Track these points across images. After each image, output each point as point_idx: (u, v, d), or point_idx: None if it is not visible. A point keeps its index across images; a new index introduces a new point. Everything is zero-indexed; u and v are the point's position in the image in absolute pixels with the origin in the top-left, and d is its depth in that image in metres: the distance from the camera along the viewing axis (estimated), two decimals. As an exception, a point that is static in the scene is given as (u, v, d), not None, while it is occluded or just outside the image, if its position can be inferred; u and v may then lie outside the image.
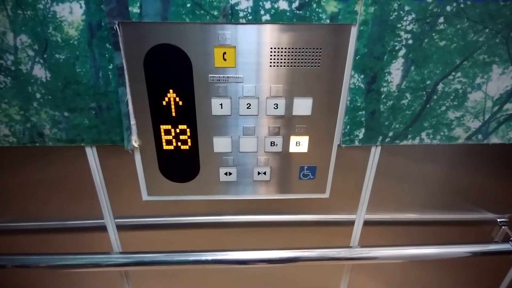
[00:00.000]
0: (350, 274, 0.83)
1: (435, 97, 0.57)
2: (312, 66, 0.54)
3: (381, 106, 0.58)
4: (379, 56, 0.53)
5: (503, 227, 0.77)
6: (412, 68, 0.54)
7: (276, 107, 0.57)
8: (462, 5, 0.50)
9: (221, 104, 0.56)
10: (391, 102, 0.57)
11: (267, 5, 0.48)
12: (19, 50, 0.50)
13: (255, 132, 0.59)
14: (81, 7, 0.48)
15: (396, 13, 0.50)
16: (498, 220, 0.77)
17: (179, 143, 0.59)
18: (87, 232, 0.72)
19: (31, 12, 0.48)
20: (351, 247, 0.75)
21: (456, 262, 0.84)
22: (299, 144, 0.61)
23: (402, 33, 0.51)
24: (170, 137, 0.59)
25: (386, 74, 0.55)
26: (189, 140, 0.59)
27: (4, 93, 0.53)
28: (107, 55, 0.51)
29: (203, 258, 0.68)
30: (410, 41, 0.52)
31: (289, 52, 0.53)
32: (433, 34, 0.52)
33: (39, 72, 0.52)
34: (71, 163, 0.63)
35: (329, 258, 0.71)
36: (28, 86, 0.53)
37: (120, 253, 0.73)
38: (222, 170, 0.63)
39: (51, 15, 0.48)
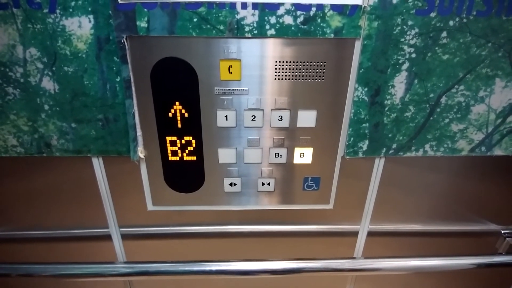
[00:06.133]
0: (354, 285, 0.83)
1: (438, 109, 0.58)
2: (316, 79, 0.54)
3: (385, 118, 0.58)
4: (382, 69, 0.54)
5: (507, 238, 0.77)
6: (416, 81, 0.55)
7: (280, 119, 0.58)
8: (464, 20, 0.50)
9: (226, 116, 0.57)
10: (395, 114, 0.58)
11: (272, 20, 0.49)
12: (28, 62, 0.51)
13: (259, 143, 0.60)
14: (89, 21, 0.49)
15: (399, 28, 0.51)
16: (502, 231, 0.77)
17: (185, 154, 0.60)
18: (92, 241, 0.72)
19: (41, 26, 0.49)
20: (355, 258, 0.75)
21: (460, 274, 0.83)
22: (303, 155, 0.61)
23: (405, 47, 0.52)
24: (175, 148, 0.59)
25: (390, 87, 0.55)
26: (194, 151, 0.60)
27: (13, 104, 0.54)
28: (114, 68, 0.52)
29: (207, 268, 0.68)
30: (414, 55, 0.53)
31: (293, 65, 0.53)
32: (436, 48, 0.52)
33: (48, 84, 0.53)
34: (78, 173, 0.64)
35: (333, 269, 0.70)
36: (36, 98, 0.54)
37: (125, 262, 0.73)
38: (227, 181, 0.63)
39: (60, 29, 0.49)
